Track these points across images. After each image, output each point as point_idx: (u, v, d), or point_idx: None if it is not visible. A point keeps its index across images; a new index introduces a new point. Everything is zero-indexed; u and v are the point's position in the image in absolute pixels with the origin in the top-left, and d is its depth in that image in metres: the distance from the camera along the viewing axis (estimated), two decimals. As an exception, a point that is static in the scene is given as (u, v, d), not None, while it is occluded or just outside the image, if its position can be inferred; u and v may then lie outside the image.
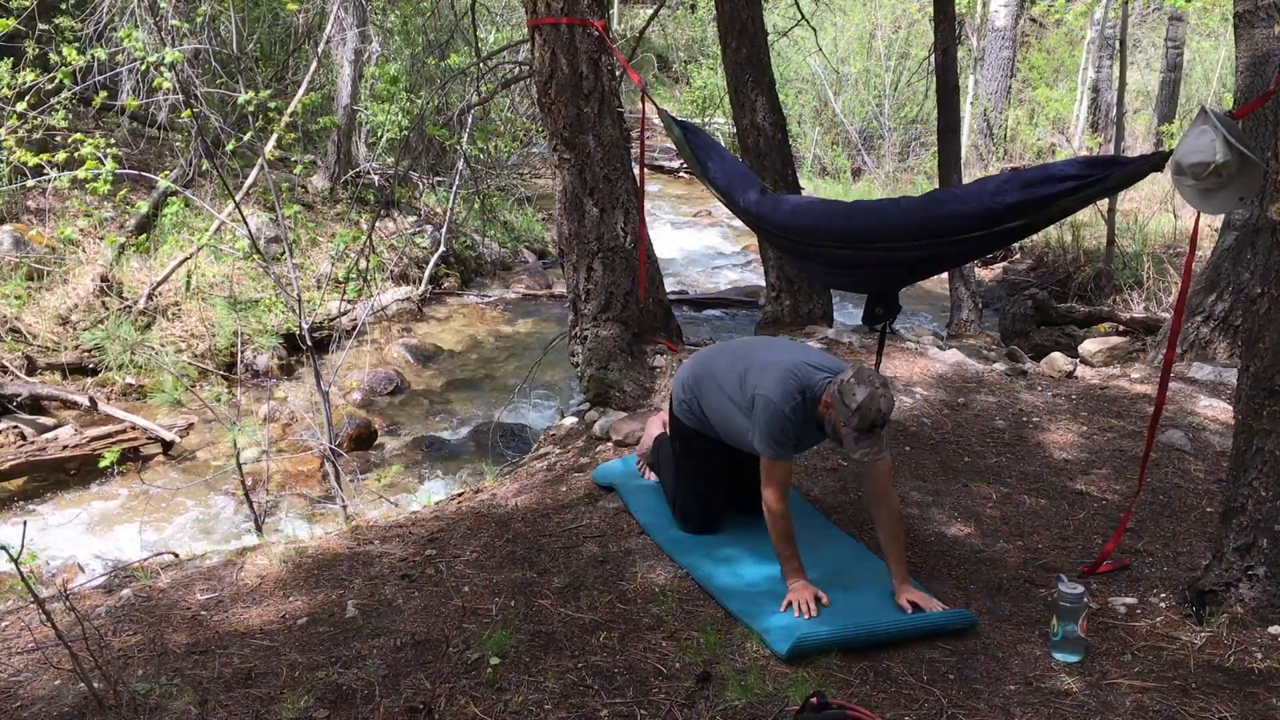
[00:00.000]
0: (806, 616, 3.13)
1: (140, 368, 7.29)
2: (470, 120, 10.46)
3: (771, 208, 4.32)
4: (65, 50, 7.37)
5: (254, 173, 8.52)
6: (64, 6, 9.12)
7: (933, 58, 7.69)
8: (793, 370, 3.33)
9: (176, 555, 4.14)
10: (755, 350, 3.62)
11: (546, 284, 10.48)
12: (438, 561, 3.71)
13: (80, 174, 7.06)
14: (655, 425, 4.29)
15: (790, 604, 3.20)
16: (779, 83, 7.72)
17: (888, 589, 3.35)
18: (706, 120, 15.87)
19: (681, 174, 15.57)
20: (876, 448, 3.19)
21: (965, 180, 8.02)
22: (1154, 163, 3.37)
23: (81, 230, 8.26)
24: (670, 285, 7.78)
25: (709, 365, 3.69)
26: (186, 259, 8.26)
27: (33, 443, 6.18)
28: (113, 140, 8.81)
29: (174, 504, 5.97)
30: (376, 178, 11.15)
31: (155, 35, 8.78)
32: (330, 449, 5.51)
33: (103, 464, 5.74)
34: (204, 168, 8.45)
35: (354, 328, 7.39)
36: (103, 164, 7.05)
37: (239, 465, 5.34)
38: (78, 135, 7.24)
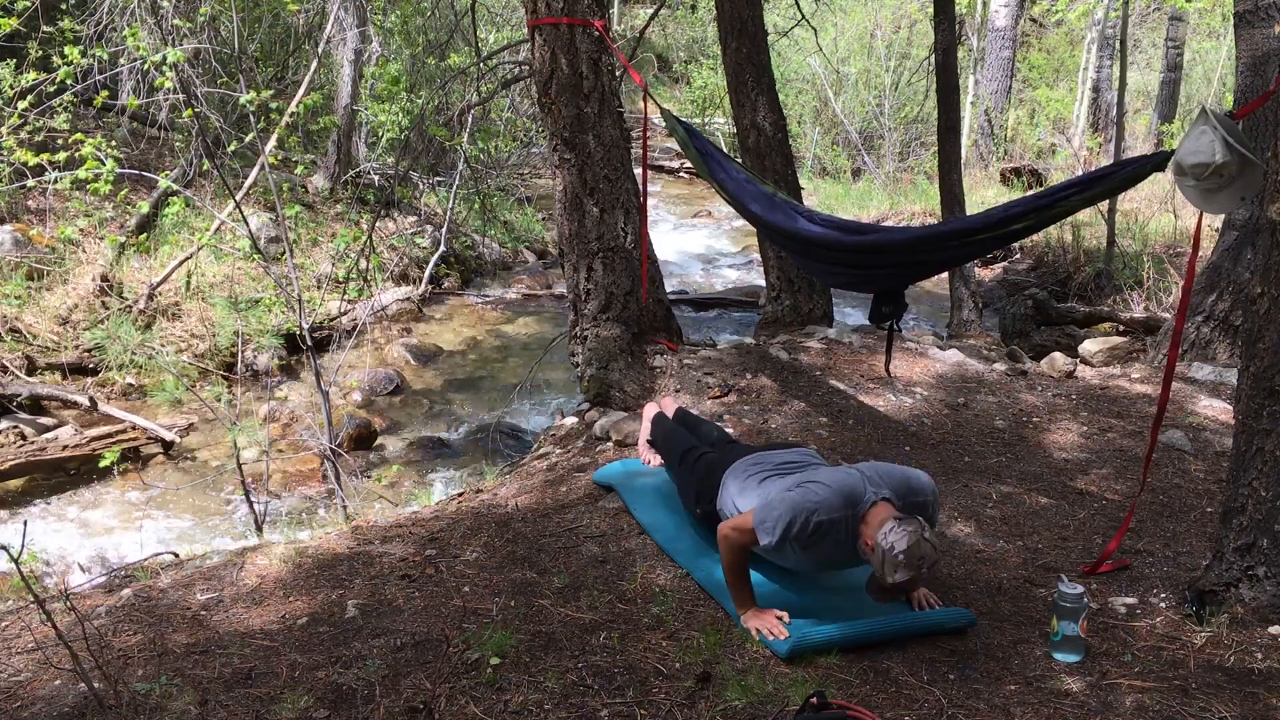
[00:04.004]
0: (780, 636, 3.04)
1: (140, 368, 7.29)
2: (470, 120, 10.46)
3: (775, 216, 4.36)
4: (68, 50, 7.37)
5: (254, 173, 8.52)
6: (64, 7, 9.12)
7: (933, 58, 7.69)
8: (841, 493, 3.09)
9: (176, 555, 4.14)
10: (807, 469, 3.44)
11: (546, 284, 10.48)
12: (438, 561, 3.71)
13: (80, 174, 7.06)
14: (650, 409, 4.38)
15: (758, 630, 3.10)
16: (779, 83, 7.72)
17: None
18: (706, 120, 15.87)
19: (682, 174, 15.57)
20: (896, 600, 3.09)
21: (965, 180, 8.10)
22: (1155, 163, 3.39)
23: (82, 230, 8.26)
24: (670, 285, 7.78)
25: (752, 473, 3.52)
26: (187, 259, 8.26)
27: (33, 443, 6.18)
28: (113, 140, 8.82)
29: (174, 504, 5.97)
30: (376, 178, 11.15)
31: (156, 35, 8.78)
32: (330, 449, 5.52)
33: (103, 464, 5.75)
34: (204, 168, 8.46)
35: (354, 328, 7.40)
36: (103, 164, 7.05)
37: (239, 465, 5.35)
38: (78, 135, 7.24)
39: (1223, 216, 6.26)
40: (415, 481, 6.35)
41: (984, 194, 12.28)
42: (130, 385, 7.24)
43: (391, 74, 9.58)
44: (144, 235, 8.42)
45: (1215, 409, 5.25)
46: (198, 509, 5.95)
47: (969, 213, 7.48)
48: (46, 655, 3.04)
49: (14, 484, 6.00)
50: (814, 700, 2.64)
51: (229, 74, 9.78)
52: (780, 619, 3.11)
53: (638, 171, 5.27)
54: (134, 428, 6.51)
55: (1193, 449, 4.75)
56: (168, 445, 6.55)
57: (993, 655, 3.04)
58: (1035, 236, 9.80)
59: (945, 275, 7.93)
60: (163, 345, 7.52)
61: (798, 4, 9.17)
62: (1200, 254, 5.70)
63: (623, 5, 20.11)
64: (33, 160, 7.37)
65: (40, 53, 8.07)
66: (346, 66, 10.55)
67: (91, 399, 6.75)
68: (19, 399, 6.69)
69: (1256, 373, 3.08)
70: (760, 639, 3.07)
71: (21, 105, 7.62)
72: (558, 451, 5.08)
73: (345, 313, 8.48)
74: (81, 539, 5.54)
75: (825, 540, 3.09)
